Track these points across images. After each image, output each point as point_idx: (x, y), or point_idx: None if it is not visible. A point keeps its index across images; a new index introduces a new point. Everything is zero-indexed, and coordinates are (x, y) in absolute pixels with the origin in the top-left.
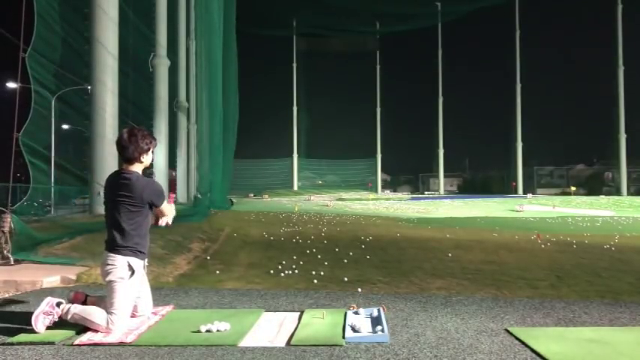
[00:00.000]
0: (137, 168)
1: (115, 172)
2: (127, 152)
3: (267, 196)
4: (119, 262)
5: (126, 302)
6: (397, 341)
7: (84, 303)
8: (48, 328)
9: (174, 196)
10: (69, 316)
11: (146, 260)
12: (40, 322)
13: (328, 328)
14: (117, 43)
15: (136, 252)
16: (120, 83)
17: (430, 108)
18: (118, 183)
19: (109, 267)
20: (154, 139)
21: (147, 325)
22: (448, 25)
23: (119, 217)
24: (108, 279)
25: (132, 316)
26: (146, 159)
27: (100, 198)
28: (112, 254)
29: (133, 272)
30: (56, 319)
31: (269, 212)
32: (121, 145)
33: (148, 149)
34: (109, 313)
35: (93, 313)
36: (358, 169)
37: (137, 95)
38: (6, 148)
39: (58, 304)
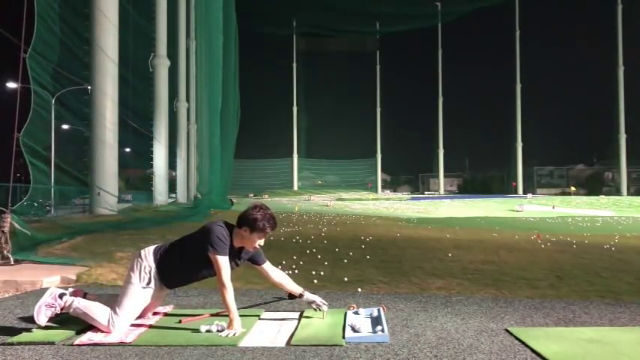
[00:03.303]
0: (234, 236)
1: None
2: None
3: (267, 196)
4: (147, 267)
5: (132, 306)
6: (397, 341)
7: None
8: (48, 326)
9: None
10: (71, 310)
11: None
12: (43, 314)
13: (328, 328)
14: (117, 47)
15: (163, 279)
16: (119, 84)
17: (430, 108)
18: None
19: (137, 261)
20: (271, 228)
21: (147, 325)
22: (448, 25)
23: (184, 244)
24: (128, 273)
25: None
26: (248, 237)
27: (100, 198)
28: (151, 257)
29: (149, 283)
30: (58, 312)
31: None
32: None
33: (255, 228)
34: (113, 312)
35: (95, 310)
36: (358, 169)
37: (137, 96)
38: (6, 148)
39: (61, 296)
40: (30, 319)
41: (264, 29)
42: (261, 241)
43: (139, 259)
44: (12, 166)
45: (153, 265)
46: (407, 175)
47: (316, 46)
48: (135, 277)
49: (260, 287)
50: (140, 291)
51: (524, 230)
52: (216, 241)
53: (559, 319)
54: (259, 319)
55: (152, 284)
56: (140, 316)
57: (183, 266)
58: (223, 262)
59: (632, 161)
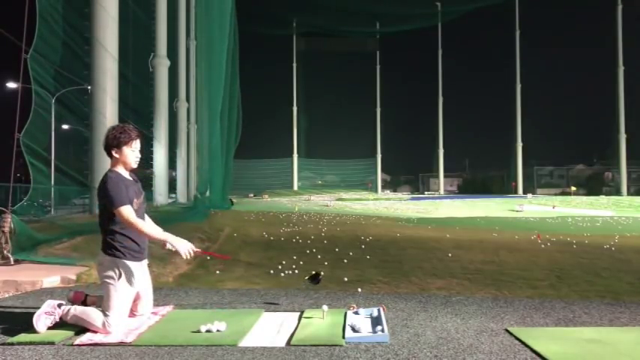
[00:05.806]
0: (117, 167)
1: None
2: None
3: (266, 196)
4: (106, 263)
5: (119, 303)
6: (397, 341)
7: (84, 302)
8: (48, 328)
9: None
10: (68, 317)
11: (145, 261)
12: (42, 322)
13: (328, 328)
14: (116, 43)
15: (123, 254)
16: (120, 84)
17: (430, 108)
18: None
19: (98, 267)
20: (131, 133)
21: (147, 325)
22: (448, 25)
23: (101, 218)
24: (100, 279)
25: (132, 316)
26: (122, 155)
27: None
28: (101, 254)
29: (121, 274)
30: (57, 320)
31: (269, 212)
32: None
33: (119, 144)
34: (104, 315)
35: (90, 314)
36: (358, 169)
37: (137, 95)
38: (6, 149)
39: (60, 306)
40: (30, 319)
41: (264, 29)
42: (136, 151)
43: (99, 260)
44: (12, 166)
45: (108, 257)
46: (407, 175)
47: (316, 46)
48: (102, 275)
49: (260, 287)
50: (117, 285)
51: (524, 230)
52: (113, 191)
53: (559, 319)
54: (259, 319)
55: (123, 273)
56: (136, 299)
57: (119, 231)
58: (125, 211)
59: (632, 161)
